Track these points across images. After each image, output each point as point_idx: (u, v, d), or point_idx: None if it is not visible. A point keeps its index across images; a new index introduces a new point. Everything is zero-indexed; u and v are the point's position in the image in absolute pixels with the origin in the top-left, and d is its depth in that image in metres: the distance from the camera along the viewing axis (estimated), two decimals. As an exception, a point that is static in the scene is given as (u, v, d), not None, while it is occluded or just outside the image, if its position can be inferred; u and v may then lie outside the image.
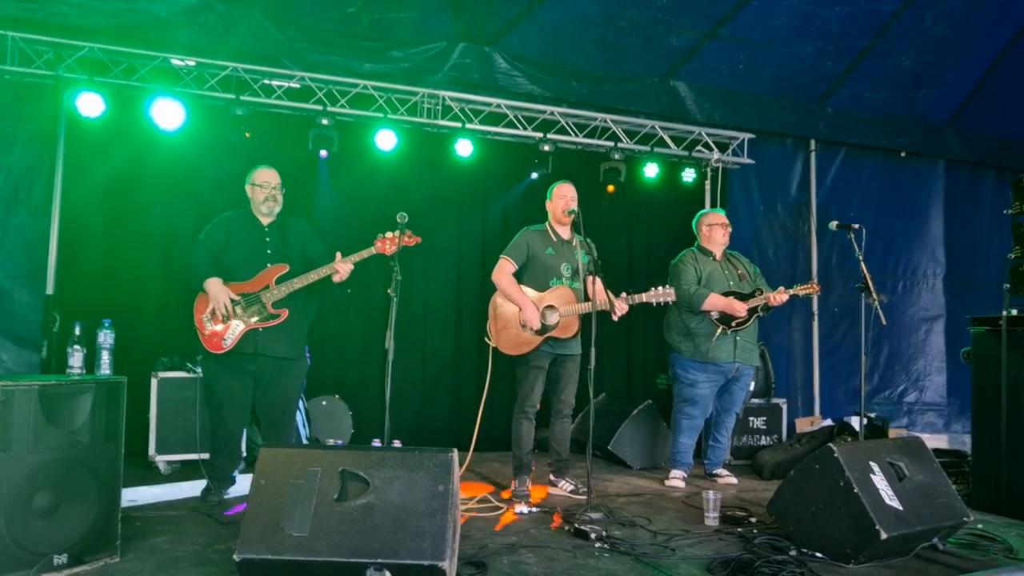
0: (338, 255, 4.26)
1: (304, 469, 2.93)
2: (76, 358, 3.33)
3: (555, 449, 4.87)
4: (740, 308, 5.11)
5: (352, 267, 4.27)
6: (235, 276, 4.26)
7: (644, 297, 4.65)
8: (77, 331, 3.41)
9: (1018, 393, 4.60)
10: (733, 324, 5.15)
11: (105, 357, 3.45)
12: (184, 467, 5.02)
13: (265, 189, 4.40)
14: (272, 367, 4.32)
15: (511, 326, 4.69)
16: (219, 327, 4.18)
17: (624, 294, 4.60)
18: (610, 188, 6.70)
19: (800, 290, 5.21)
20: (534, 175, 6.48)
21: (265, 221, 4.45)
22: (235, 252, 4.33)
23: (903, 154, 7.79)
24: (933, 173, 8.02)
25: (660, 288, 4.67)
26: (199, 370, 5.10)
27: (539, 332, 4.59)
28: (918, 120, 7.64)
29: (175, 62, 5.57)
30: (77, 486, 3.08)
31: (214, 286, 4.16)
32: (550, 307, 4.64)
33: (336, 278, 4.27)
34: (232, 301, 4.17)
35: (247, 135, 5.54)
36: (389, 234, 4.26)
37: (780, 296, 5.13)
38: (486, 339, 4.82)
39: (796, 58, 6.74)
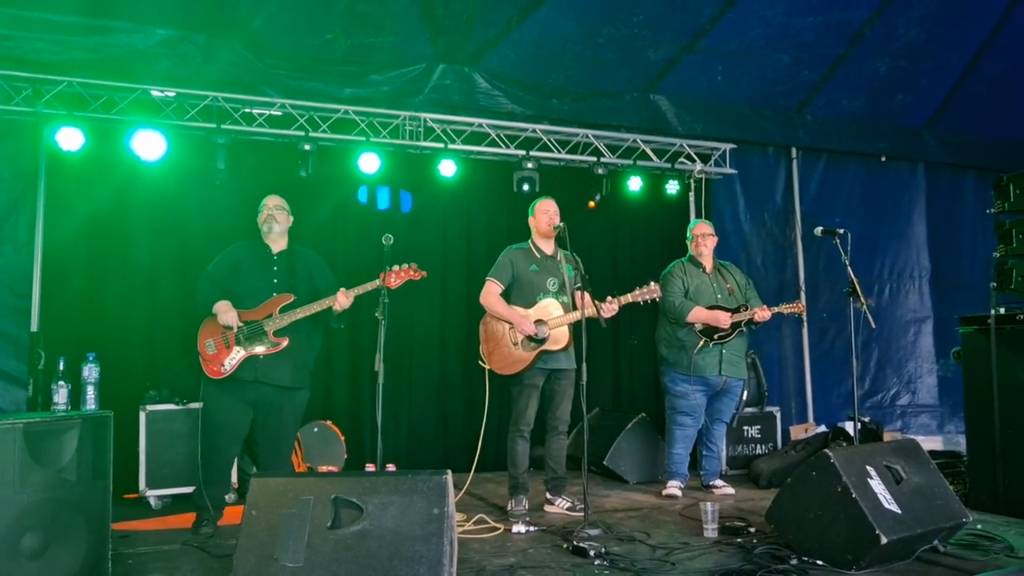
0: (342, 290, 4.26)
1: (296, 498, 2.89)
2: (61, 394, 3.28)
3: (551, 467, 4.83)
4: (724, 320, 5.15)
5: (352, 300, 4.27)
6: (241, 304, 4.27)
7: (630, 297, 4.67)
8: (61, 367, 3.35)
9: (1009, 391, 4.62)
10: (715, 337, 5.18)
11: (90, 392, 3.38)
12: (175, 501, 4.95)
13: (264, 211, 4.44)
14: (273, 396, 4.29)
15: (503, 346, 4.67)
16: (219, 351, 4.19)
17: (609, 297, 4.60)
18: (591, 204, 6.69)
19: (785, 308, 5.31)
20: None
21: (275, 248, 4.45)
22: (242, 280, 4.35)
23: (883, 159, 7.86)
24: (913, 176, 8.08)
25: (645, 287, 4.68)
26: (187, 403, 5.05)
27: (532, 343, 4.57)
28: (896, 125, 7.71)
29: (155, 93, 5.55)
30: (66, 525, 3.03)
31: (223, 306, 4.20)
32: (539, 321, 4.62)
33: (336, 308, 4.26)
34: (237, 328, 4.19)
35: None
36: (396, 268, 4.26)
37: (764, 313, 5.19)
38: (480, 362, 4.79)
39: (773, 68, 6.80)
